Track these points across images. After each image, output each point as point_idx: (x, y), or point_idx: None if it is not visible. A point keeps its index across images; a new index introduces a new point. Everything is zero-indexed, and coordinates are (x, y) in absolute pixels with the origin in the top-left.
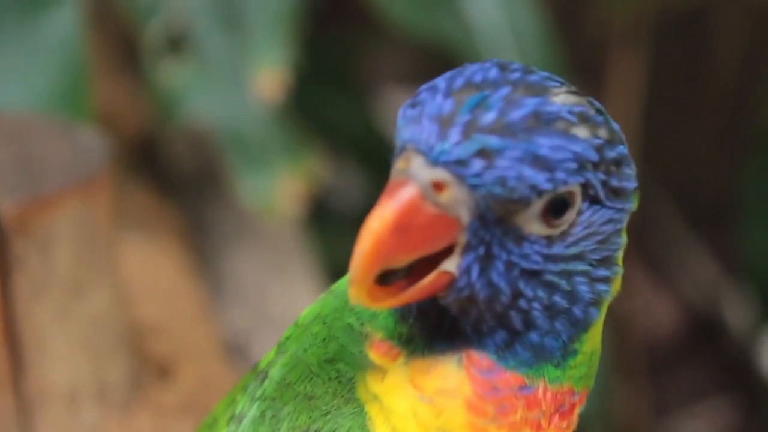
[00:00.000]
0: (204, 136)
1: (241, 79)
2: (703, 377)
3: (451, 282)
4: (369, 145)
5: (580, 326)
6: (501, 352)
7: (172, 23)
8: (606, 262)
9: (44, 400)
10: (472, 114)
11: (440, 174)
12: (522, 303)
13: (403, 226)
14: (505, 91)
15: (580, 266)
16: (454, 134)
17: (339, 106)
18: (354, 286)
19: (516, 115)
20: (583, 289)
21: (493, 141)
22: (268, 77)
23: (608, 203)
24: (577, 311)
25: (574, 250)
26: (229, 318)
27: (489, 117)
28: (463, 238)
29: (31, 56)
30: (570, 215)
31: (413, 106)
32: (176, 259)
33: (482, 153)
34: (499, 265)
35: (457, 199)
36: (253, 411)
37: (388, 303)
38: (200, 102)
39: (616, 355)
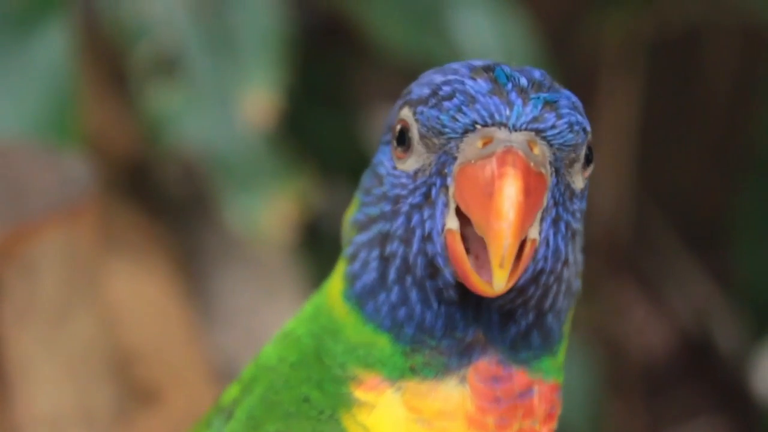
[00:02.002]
0: (193, 160)
1: (230, 103)
2: (696, 397)
3: (534, 253)
4: (362, 168)
5: (573, 300)
6: (518, 343)
7: (161, 47)
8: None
9: (29, 426)
10: (514, 81)
11: (526, 134)
12: (565, 272)
13: (528, 189)
14: (510, 66)
15: (582, 227)
16: (517, 100)
17: (331, 128)
18: (505, 265)
19: (541, 76)
20: (580, 255)
21: (548, 95)
22: (257, 101)
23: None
24: (575, 282)
25: (584, 207)
26: (219, 342)
27: (528, 80)
28: (546, 200)
29: (19, 81)
30: (592, 165)
31: (450, 97)
32: (166, 283)
33: (547, 106)
34: (563, 227)
35: (544, 154)
36: None
37: (513, 281)
38: (188, 126)
39: (611, 376)
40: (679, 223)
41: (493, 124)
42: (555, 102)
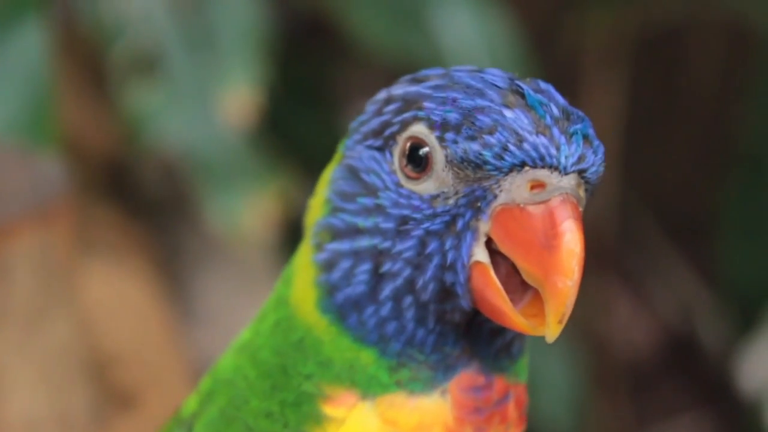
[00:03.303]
0: (173, 159)
1: (210, 101)
2: (681, 393)
3: None
4: None
5: None
6: (501, 353)
7: (139, 45)
8: None
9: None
10: (549, 111)
11: (574, 177)
12: None
13: (583, 242)
14: (534, 86)
15: None
16: (561, 138)
17: (312, 127)
18: (564, 321)
19: (560, 96)
20: None
21: (582, 127)
22: (237, 99)
23: None
24: None
25: None
26: (200, 343)
27: (557, 106)
28: None
29: None
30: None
31: (491, 132)
32: (145, 284)
33: (585, 142)
34: None
35: (584, 192)
36: None
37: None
38: (168, 125)
39: (595, 372)
40: (664, 219)
41: (543, 167)
42: (588, 135)
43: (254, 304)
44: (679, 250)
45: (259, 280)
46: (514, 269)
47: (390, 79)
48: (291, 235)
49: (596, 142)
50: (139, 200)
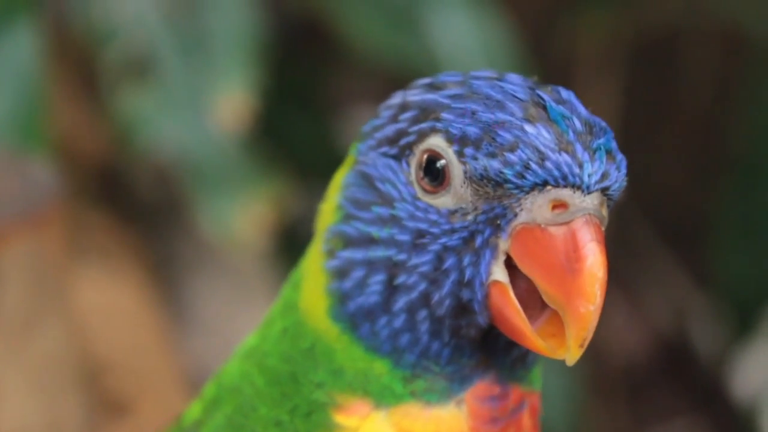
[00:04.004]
0: (166, 164)
1: (203, 105)
2: (676, 398)
3: None
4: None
5: None
6: (517, 362)
7: (132, 48)
8: None
9: None
10: (572, 125)
11: (597, 196)
12: None
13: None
14: (556, 97)
15: None
16: (584, 155)
17: (307, 131)
18: (585, 345)
19: (582, 107)
20: None
21: (605, 142)
22: (231, 103)
23: None
24: None
25: None
26: (194, 350)
27: (579, 119)
28: None
29: None
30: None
31: (512, 149)
32: (138, 290)
33: (609, 158)
34: None
35: (606, 215)
36: None
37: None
38: (160, 129)
39: (590, 377)
40: (659, 223)
41: (565, 186)
42: (611, 150)
43: (248, 310)
44: (673, 255)
45: (253, 287)
46: (532, 286)
47: (384, 83)
48: (285, 241)
49: (619, 157)
50: (132, 205)
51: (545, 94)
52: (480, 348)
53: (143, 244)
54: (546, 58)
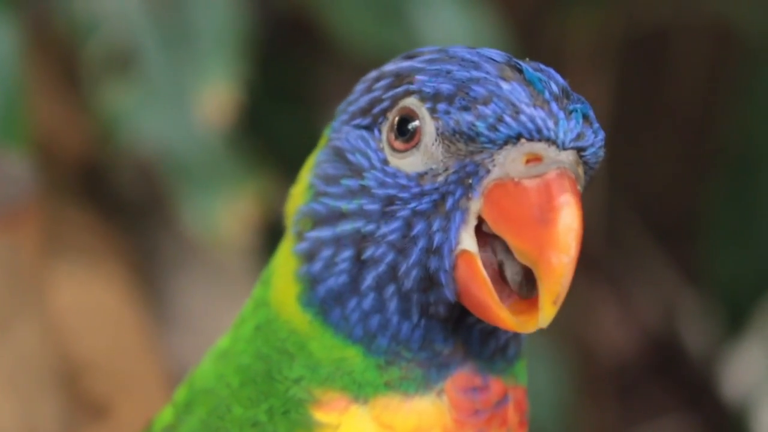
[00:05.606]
0: (149, 160)
1: (187, 100)
2: (665, 395)
3: None
4: None
5: None
6: (496, 355)
7: (114, 42)
8: None
9: None
10: (548, 87)
11: (572, 153)
12: None
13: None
14: (534, 65)
15: None
16: (560, 113)
17: (293, 127)
18: (559, 302)
19: (559, 76)
20: None
21: (582, 107)
22: (215, 98)
23: None
24: None
25: None
26: (176, 349)
27: (556, 84)
28: None
29: None
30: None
31: (485, 102)
32: (120, 288)
33: (585, 120)
34: None
35: (583, 173)
36: None
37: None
38: (143, 124)
39: (580, 375)
40: (650, 222)
41: (540, 140)
42: (588, 115)
43: (232, 309)
44: (665, 253)
45: (237, 285)
46: (501, 272)
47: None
48: (270, 238)
49: (596, 125)
50: (114, 202)
51: (522, 61)
52: (453, 333)
53: (125, 241)
54: (535, 55)
